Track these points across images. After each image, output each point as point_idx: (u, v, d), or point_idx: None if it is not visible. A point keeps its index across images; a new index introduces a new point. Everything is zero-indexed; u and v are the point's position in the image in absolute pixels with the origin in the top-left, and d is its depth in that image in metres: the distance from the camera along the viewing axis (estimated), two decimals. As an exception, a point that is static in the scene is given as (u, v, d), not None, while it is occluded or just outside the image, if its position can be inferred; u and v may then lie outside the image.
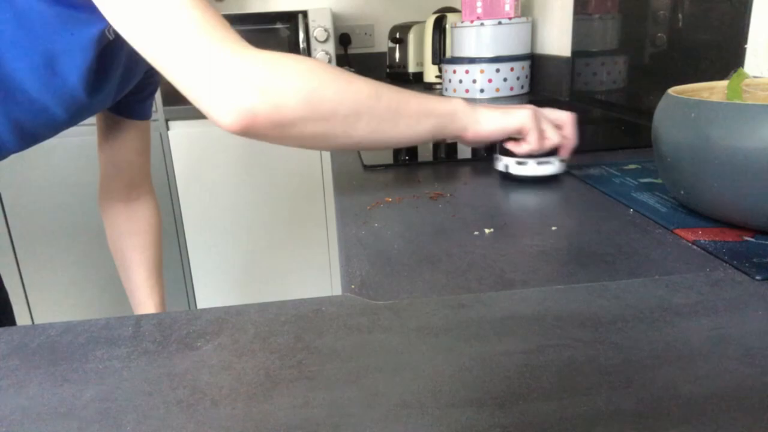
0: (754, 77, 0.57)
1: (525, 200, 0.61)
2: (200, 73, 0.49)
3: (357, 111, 0.54)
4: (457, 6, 1.65)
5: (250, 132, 0.51)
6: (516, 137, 0.65)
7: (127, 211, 0.92)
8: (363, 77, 0.56)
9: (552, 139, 0.64)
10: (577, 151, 0.65)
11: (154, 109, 1.68)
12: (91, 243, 1.75)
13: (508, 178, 0.69)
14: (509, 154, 0.66)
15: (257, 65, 0.49)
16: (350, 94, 0.54)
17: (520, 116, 0.62)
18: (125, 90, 0.77)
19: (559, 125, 0.66)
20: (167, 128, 1.70)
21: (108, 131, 0.87)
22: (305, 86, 0.51)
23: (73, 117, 0.69)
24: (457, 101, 0.61)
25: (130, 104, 0.84)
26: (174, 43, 0.49)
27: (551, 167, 0.66)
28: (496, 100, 1.40)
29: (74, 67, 0.62)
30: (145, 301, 0.93)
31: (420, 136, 0.59)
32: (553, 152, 0.65)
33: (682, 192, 0.50)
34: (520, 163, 0.66)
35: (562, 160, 0.67)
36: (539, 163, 0.65)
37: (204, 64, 0.49)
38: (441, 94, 1.59)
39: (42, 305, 1.82)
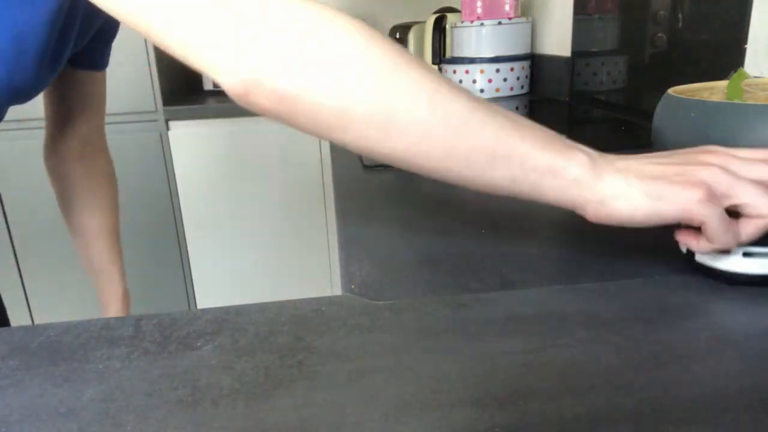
0: (754, 77, 0.57)
1: (525, 200, 0.61)
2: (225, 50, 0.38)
3: (429, 138, 0.39)
4: (457, 6, 1.65)
5: (274, 109, 0.41)
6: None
7: (82, 169, 0.83)
8: (431, 73, 0.40)
9: (758, 221, 0.36)
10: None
11: (154, 108, 1.68)
12: (91, 243, 1.74)
13: (710, 275, 0.40)
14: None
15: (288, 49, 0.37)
16: (434, 118, 0.38)
17: (683, 200, 0.36)
18: (82, 44, 0.71)
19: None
20: (167, 128, 1.70)
21: (61, 83, 0.77)
22: (352, 90, 0.38)
23: (36, 87, 0.64)
24: (580, 153, 0.40)
25: (88, 55, 0.76)
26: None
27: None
28: (497, 101, 1.40)
29: (39, 42, 0.58)
30: (107, 267, 0.86)
31: (493, 185, 0.41)
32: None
33: None
34: (717, 256, 0.39)
35: None
36: (747, 255, 0.38)
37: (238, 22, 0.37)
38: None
39: (42, 305, 1.82)
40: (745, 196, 0.35)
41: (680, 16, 0.94)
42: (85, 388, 0.32)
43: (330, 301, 0.40)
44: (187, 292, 1.86)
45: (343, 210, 0.62)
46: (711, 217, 0.35)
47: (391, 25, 1.99)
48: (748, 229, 0.36)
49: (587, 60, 1.30)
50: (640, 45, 1.06)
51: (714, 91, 0.56)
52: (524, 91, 1.48)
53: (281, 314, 0.39)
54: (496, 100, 1.42)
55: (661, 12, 0.99)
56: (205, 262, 1.83)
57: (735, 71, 0.53)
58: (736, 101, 0.49)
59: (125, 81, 1.65)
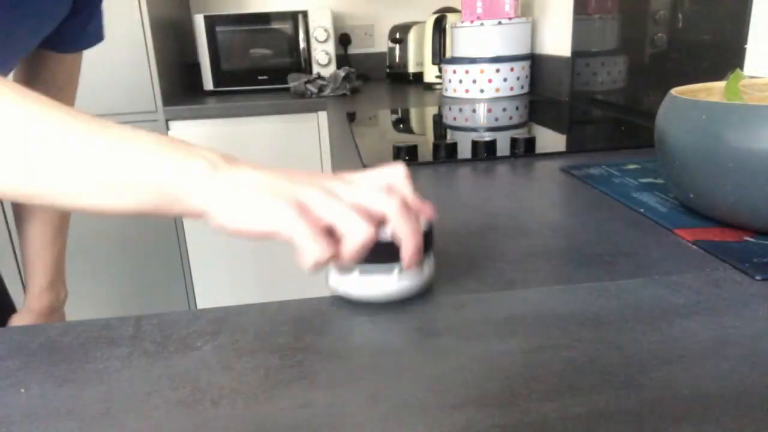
0: (751, 77, 0.57)
1: (525, 200, 0.61)
2: None
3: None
4: (457, 6, 1.65)
5: None
6: None
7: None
8: (22, 98, 0.37)
9: (350, 240, 0.35)
10: (577, 151, 0.65)
11: (154, 108, 1.68)
12: (91, 243, 1.75)
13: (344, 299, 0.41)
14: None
15: None
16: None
17: (272, 214, 0.35)
18: (52, 27, 0.68)
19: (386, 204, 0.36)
20: (167, 128, 1.70)
21: (32, 65, 0.75)
22: None
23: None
24: (196, 156, 0.36)
25: (61, 37, 0.73)
26: None
27: (386, 283, 0.38)
28: (497, 100, 1.40)
29: None
30: (41, 251, 0.82)
31: (124, 210, 0.37)
32: (389, 255, 0.37)
33: (691, 195, 0.50)
34: (339, 275, 0.40)
35: (417, 274, 0.39)
36: (363, 273, 0.38)
37: None
38: (441, 95, 1.58)
39: (42, 305, 1.82)
40: (334, 217, 0.35)
41: (680, 16, 0.94)
42: (85, 388, 0.32)
43: (330, 301, 0.40)
44: (187, 292, 1.86)
45: (343, 210, 0.61)
46: (295, 231, 0.34)
47: (391, 25, 1.99)
48: (345, 247, 0.35)
49: (587, 60, 1.30)
50: (640, 45, 1.06)
51: (711, 92, 0.56)
52: (524, 91, 1.48)
53: (281, 314, 0.39)
54: (496, 100, 1.42)
55: (661, 12, 0.99)
56: (205, 262, 1.83)
57: (732, 72, 0.53)
58: (737, 102, 0.49)
59: (125, 81, 1.65)
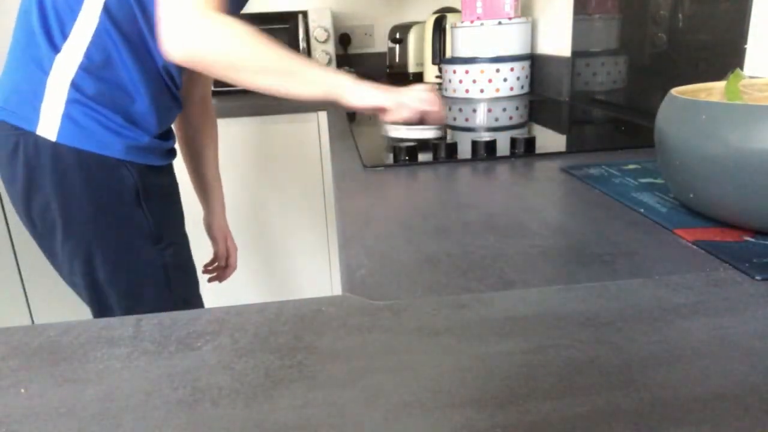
0: (751, 77, 0.57)
1: (525, 200, 0.61)
2: (168, 13, 0.73)
3: (263, 70, 0.78)
4: (457, 6, 1.65)
5: (186, 64, 0.76)
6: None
7: (201, 110, 1.15)
8: (281, 49, 0.78)
9: (412, 112, 0.83)
10: (577, 151, 0.65)
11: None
12: (91, 243, 1.74)
13: (393, 141, 0.90)
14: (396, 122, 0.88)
15: (205, 25, 0.74)
16: (260, 60, 0.78)
17: (383, 99, 0.81)
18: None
19: (424, 100, 0.83)
20: (167, 128, 1.70)
21: None
22: (226, 47, 0.76)
23: None
24: (345, 76, 0.81)
25: None
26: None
27: (421, 133, 0.88)
28: (497, 101, 1.40)
29: None
30: (218, 188, 1.23)
31: (312, 97, 0.80)
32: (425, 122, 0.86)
33: (691, 195, 0.50)
34: (396, 129, 0.90)
35: (437, 128, 0.88)
36: (409, 129, 0.88)
37: (176, 7, 0.73)
38: (441, 95, 1.59)
39: (42, 305, 1.82)
40: (409, 104, 0.83)
41: (680, 16, 0.94)
42: (85, 388, 0.32)
43: (330, 301, 0.40)
44: (187, 292, 1.86)
45: (343, 210, 0.62)
46: (390, 104, 0.82)
47: (391, 25, 1.99)
48: (406, 117, 0.83)
49: (587, 60, 1.30)
50: (640, 45, 1.06)
51: (711, 92, 0.56)
52: (524, 91, 1.48)
53: (281, 314, 0.39)
54: (496, 100, 1.42)
55: (661, 12, 0.99)
56: (206, 262, 1.83)
57: (732, 72, 0.53)
58: (737, 102, 0.49)
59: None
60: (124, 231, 0.85)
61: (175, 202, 0.99)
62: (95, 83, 0.79)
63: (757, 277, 0.40)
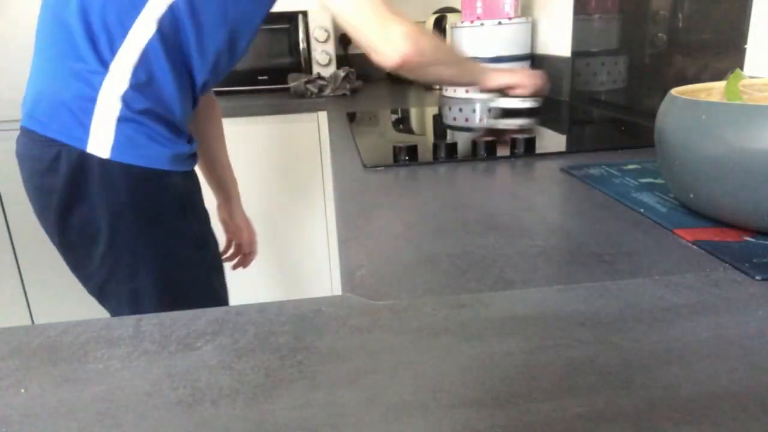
0: (751, 77, 0.57)
1: (525, 200, 0.61)
2: (380, 33, 0.87)
3: (451, 64, 0.99)
4: (457, 6, 1.65)
5: (404, 68, 0.89)
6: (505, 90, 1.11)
7: (207, 101, 1.13)
8: (448, 46, 1.12)
9: (532, 87, 1.10)
10: (577, 151, 0.65)
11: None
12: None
13: (504, 113, 1.18)
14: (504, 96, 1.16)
15: (411, 31, 0.86)
16: (452, 55, 1.05)
17: (512, 78, 1.08)
18: None
19: (536, 77, 1.11)
20: (167, 128, 1.70)
21: None
22: (434, 46, 0.92)
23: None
24: (483, 65, 1.08)
25: None
26: (371, 15, 0.86)
27: (529, 102, 1.14)
28: (497, 101, 1.40)
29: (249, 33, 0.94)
30: (232, 175, 1.25)
31: (470, 84, 1.09)
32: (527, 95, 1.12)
33: (691, 195, 0.50)
34: (509, 101, 1.16)
35: (535, 99, 1.14)
36: (523, 101, 1.14)
37: (384, 27, 0.86)
38: (441, 95, 1.59)
39: (42, 305, 1.82)
40: (526, 81, 1.11)
41: (680, 16, 0.94)
42: (85, 388, 0.32)
43: (330, 301, 0.40)
44: (187, 292, 1.86)
45: (343, 210, 0.62)
46: (515, 83, 1.09)
47: (391, 25, 1.99)
48: (519, 90, 1.11)
49: (587, 60, 1.30)
50: (640, 45, 1.06)
51: (711, 92, 0.56)
52: (524, 91, 1.48)
53: (281, 314, 0.39)
54: (496, 100, 1.42)
55: (661, 12, 0.99)
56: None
57: (732, 72, 0.53)
58: (737, 102, 0.49)
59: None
60: (171, 241, 0.86)
61: (202, 201, 1.00)
62: (142, 99, 0.80)
63: (757, 277, 0.40)
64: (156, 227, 0.84)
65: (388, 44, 0.86)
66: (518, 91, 1.08)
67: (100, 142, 0.78)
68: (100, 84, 0.78)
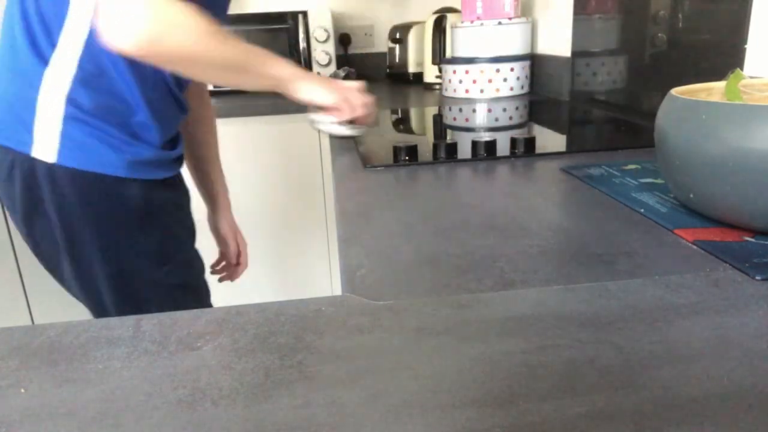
0: (751, 77, 0.57)
1: (525, 200, 0.61)
2: (114, 11, 0.64)
3: (212, 64, 0.72)
4: (457, 6, 1.65)
5: (136, 55, 0.66)
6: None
7: (200, 102, 1.07)
8: (236, 41, 0.72)
9: (356, 112, 0.84)
10: (577, 151, 0.65)
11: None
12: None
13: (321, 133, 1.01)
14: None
15: (150, 15, 0.64)
16: (211, 53, 0.71)
17: (331, 98, 0.81)
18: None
19: (365, 102, 0.85)
20: (167, 128, 1.70)
21: None
22: (184, 35, 0.67)
23: None
24: (294, 70, 0.79)
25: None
26: None
27: (350, 131, 0.86)
28: (497, 101, 1.40)
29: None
30: (223, 183, 1.17)
31: (261, 88, 0.79)
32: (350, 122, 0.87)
33: (691, 195, 0.50)
34: (325, 124, 0.87)
35: (361, 128, 0.88)
36: (340, 125, 0.86)
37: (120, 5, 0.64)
38: (441, 95, 1.59)
39: (42, 305, 1.82)
40: (349, 104, 0.83)
41: (680, 16, 0.94)
42: (85, 388, 0.32)
43: (330, 301, 0.40)
44: (187, 292, 1.86)
45: (343, 210, 0.62)
46: (335, 103, 0.81)
47: (391, 26, 1.99)
48: (348, 116, 0.83)
49: (587, 60, 1.30)
50: (640, 45, 1.06)
51: (712, 92, 0.56)
52: (524, 91, 1.48)
53: (281, 314, 0.39)
54: (496, 100, 1.42)
55: (661, 12, 0.99)
56: (205, 262, 1.83)
57: (732, 72, 0.53)
58: (737, 102, 0.49)
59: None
60: (127, 254, 0.79)
61: (185, 215, 0.93)
62: (92, 95, 0.73)
63: (757, 277, 0.40)
64: (110, 240, 0.77)
65: (122, 15, 0.63)
66: (335, 114, 0.82)
67: (45, 146, 0.72)
68: (40, 81, 0.71)
